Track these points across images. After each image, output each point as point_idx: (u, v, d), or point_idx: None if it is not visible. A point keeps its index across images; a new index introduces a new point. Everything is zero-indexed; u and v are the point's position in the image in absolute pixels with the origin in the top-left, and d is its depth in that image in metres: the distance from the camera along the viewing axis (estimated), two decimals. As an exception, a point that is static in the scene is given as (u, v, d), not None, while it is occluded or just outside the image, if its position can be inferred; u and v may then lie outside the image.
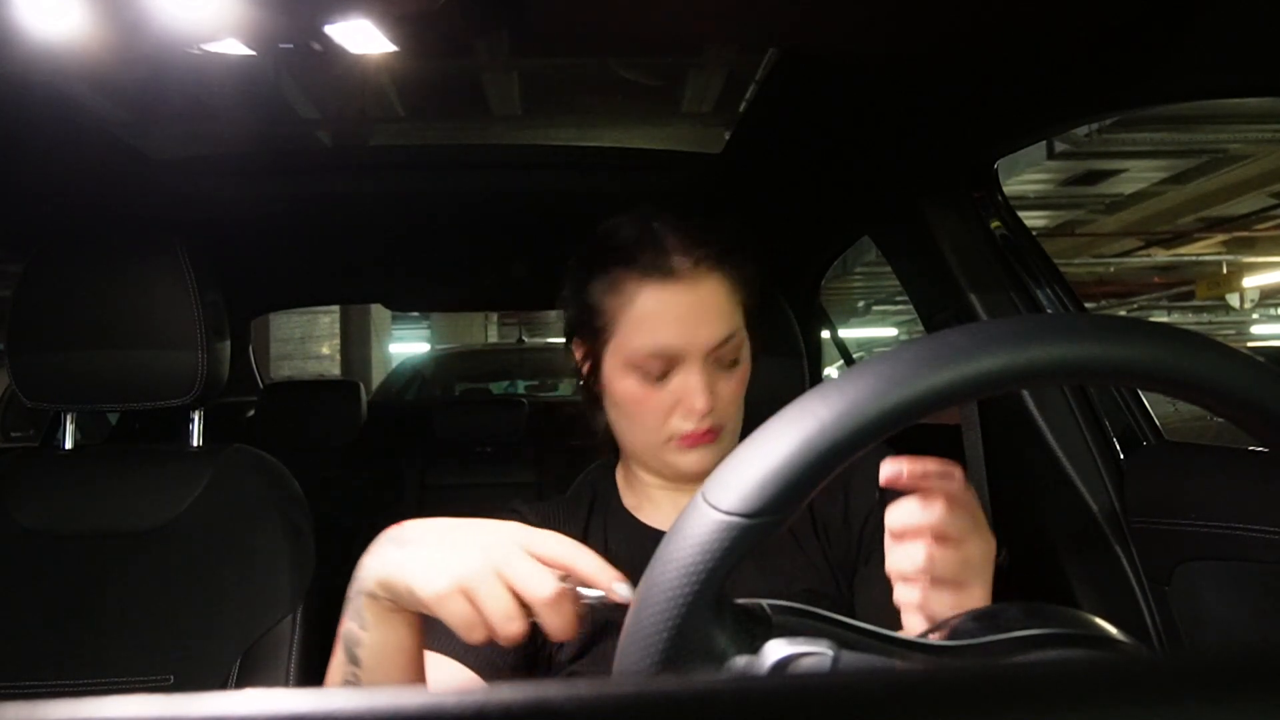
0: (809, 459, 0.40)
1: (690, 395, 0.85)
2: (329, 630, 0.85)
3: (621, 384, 0.87)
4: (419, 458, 2.31)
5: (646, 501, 0.95)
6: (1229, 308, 11.01)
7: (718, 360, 0.86)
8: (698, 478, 0.88)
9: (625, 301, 0.85)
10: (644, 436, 0.89)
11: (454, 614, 0.59)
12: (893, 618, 0.50)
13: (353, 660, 0.67)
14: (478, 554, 0.59)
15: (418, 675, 0.69)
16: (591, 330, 0.89)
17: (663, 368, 0.86)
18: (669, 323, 0.84)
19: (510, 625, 0.58)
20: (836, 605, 0.85)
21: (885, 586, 0.83)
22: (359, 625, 0.66)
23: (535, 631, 0.69)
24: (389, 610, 0.65)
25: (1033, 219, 7.66)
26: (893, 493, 0.86)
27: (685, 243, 0.85)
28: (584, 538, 0.92)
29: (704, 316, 0.85)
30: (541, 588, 0.58)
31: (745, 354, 0.89)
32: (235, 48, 0.88)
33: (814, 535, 0.90)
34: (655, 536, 0.91)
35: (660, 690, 0.24)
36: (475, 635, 0.59)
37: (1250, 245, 9.09)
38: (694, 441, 0.87)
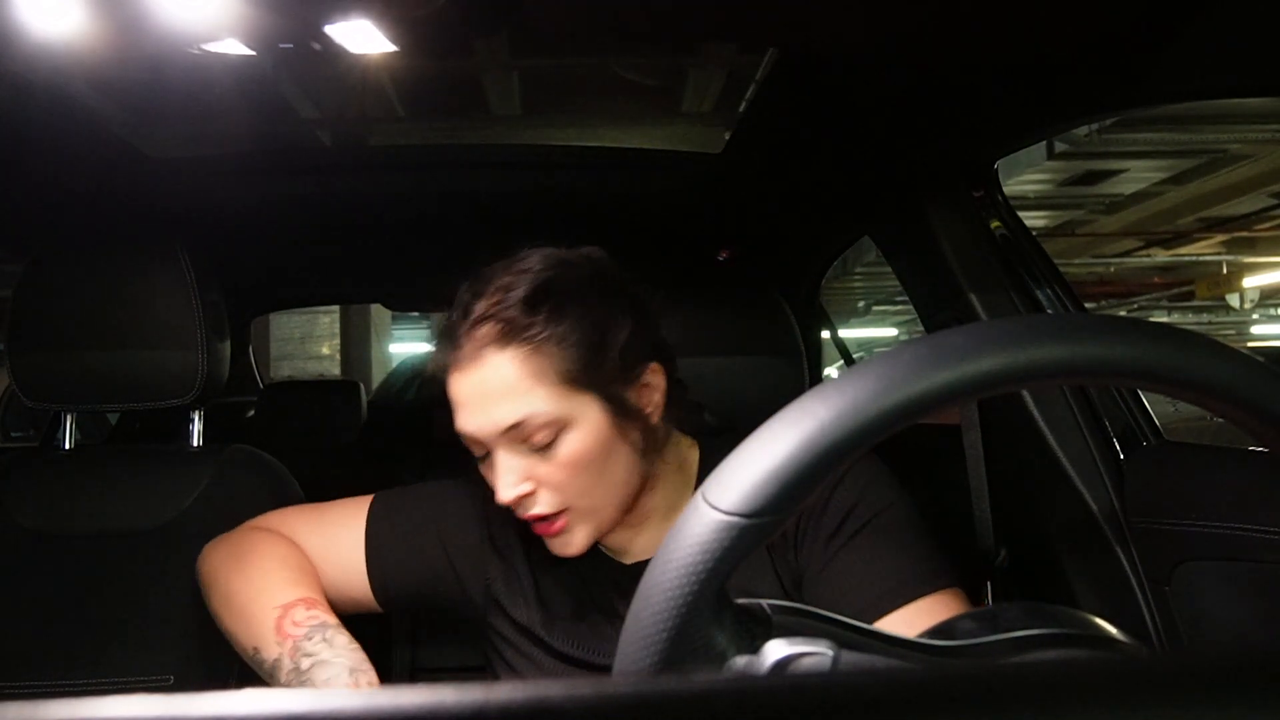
0: (809, 459, 0.40)
1: (493, 483, 0.81)
2: (329, 630, 0.86)
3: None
4: (419, 457, 2.31)
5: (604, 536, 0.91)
6: (1229, 308, 11.01)
7: (526, 444, 0.78)
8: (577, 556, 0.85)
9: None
10: None
11: None
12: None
13: None
14: None
15: None
16: None
17: (480, 451, 0.82)
18: (460, 407, 0.80)
19: None
20: None
21: (834, 589, 0.80)
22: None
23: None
24: None
25: (1033, 219, 7.66)
26: (873, 494, 0.84)
27: (477, 319, 0.79)
28: (529, 556, 0.91)
29: (488, 399, 0.78)
30: None
31: (575, 435, 0.78)
32: (235, 48, 0.87)
33: (786, 542, 0.85)
34: (612, 562, 0.90)
35: (660, 690, 0.24)
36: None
37: (1250, 245, 9.08)
38: (536, 529, 0.83)
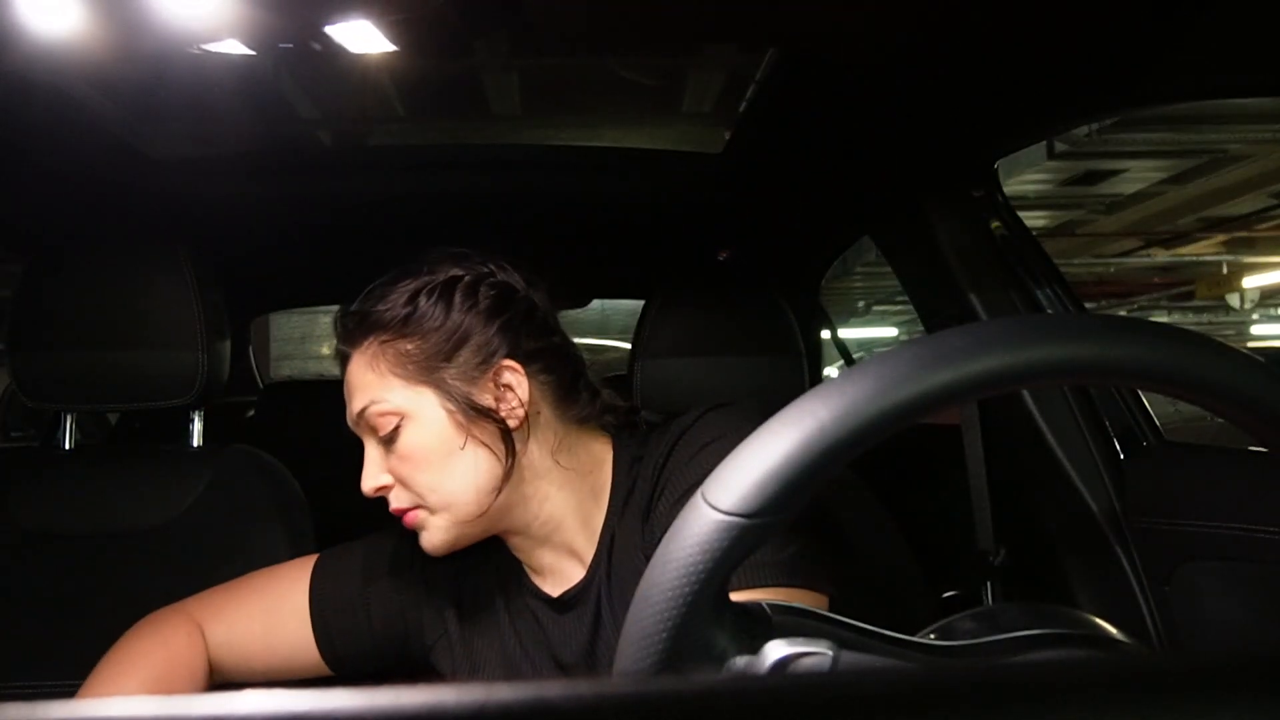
0: (808, 459, 0.40)
1: None
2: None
3: None
4: None
5: (527, 559, 0.90)
6: (1229, 308, 11.01)
7: (375, 435, 0.83)
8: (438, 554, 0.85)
9: None
10: None
11: None
12: None
13: None
14: None
15: None
16: None
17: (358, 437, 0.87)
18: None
19: None
20: None
21: None
22: None
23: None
24: None
25: (1033, 219, 7.65)
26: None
27: (346, 315, 0.87)
28: (475, 598, 0.91)
29: (348, 390, 0.85)
30: None
31: (414, 428, 0.81)
32: (235, 48, 0.88)
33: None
34: (539, 595, 0.88)
35: (660, 690, 0.24)
36: None
37: (1250, 245, 9.08)
38: (397, 515, 0.85)
